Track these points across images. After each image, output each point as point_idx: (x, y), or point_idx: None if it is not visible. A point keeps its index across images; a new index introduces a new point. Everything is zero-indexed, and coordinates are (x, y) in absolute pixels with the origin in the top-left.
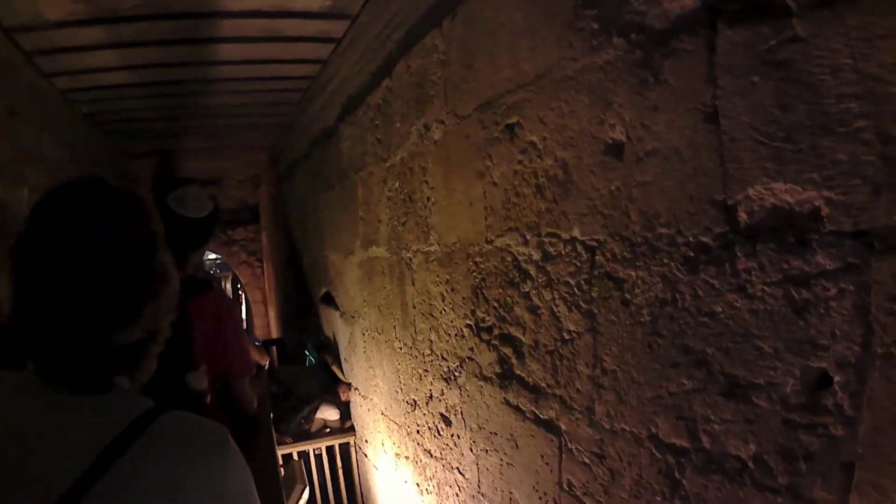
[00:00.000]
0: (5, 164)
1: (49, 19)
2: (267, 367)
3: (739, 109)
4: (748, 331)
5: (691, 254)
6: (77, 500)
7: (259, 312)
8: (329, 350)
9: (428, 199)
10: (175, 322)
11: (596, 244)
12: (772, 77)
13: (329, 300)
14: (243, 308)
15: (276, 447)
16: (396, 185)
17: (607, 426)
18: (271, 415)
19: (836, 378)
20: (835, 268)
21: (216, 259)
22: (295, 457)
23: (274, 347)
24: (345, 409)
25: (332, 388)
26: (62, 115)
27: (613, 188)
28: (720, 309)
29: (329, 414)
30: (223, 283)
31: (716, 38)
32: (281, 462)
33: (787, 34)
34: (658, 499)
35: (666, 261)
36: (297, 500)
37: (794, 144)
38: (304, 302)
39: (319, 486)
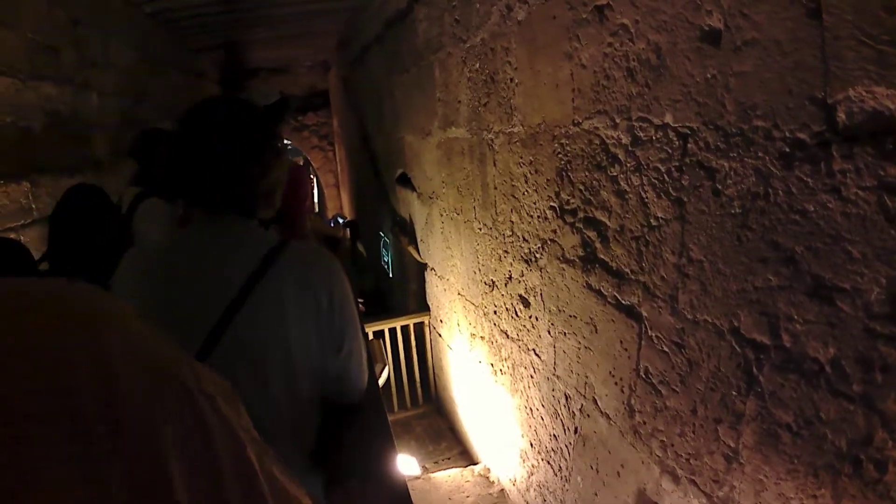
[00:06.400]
0: (73, 74)
1: None
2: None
3: (844, 7)
4: (839, 233)
5: (787, 149)
6: (252, 285)
7: (331, 195)
8: (405, 231)
9: (511, 79)
10: None
11: (689, 132)
12: None
13: (405, 181)
14: (315, 192)
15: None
16: (477, 66)
17: (689, 316)
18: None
19: None
20: None
21: (288, 144)
22: (371, 336)
23: (348, 228)
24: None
25: None
26: (126, 18)
27: (709, 76)
28: (812, 208)
29: None
30: None
31: None
32: None
33: None
34: (734, 393)
35: (761, 154)
36: (378, 378)
37: None
38: (378, 184)
39: (393, 364)
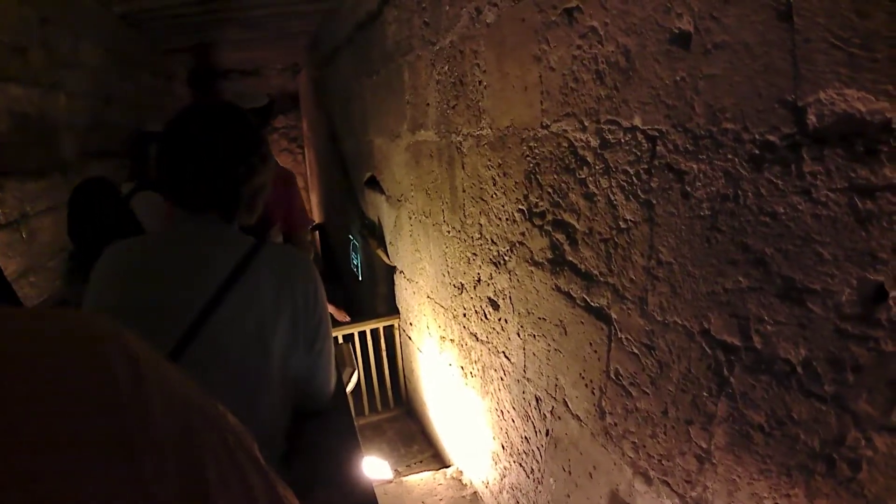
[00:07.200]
0: (41, 73)
1: None
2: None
3: (815, 10)
4: (809, 235)
5: (756, 152)
6: (231, 285)
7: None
8: (374, 234)
9: (480, 82)
10: None
11: (657, 134)
12: None
13: (374, 184)
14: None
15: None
16: (446, 68)
17: (659, 318)
18: None
19: (893, 293)
20: None
21: None
22: (340, 339)
23: (316, 232)
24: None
25: None
26: (96, 18)
27: (678, 78)
28: (782, 210)
29: None
30: None
31: None
32: None
33: None
34: (704, 394)
35: (730, 156)
36: (347, 383)
37: (870, 53)
38: (347, 187)
39: (363, 368)
